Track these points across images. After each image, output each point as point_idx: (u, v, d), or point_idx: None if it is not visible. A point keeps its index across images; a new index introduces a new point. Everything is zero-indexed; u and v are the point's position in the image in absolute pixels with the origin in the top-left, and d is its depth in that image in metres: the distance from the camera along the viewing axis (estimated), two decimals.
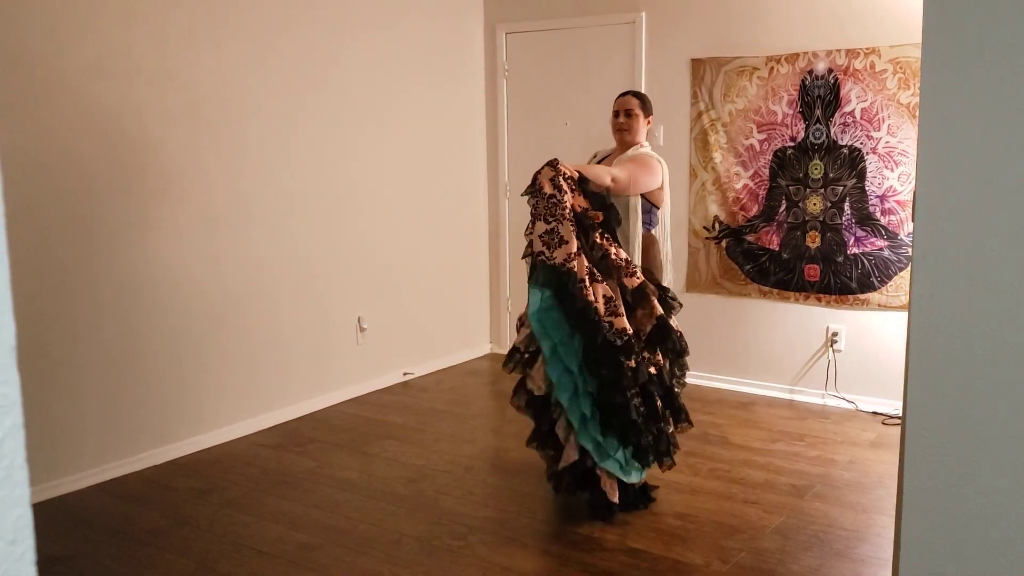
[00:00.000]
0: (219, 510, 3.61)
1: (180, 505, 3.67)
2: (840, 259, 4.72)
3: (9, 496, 0.54)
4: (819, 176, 4.74)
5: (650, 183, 3.59)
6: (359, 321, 5.15)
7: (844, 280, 4.73)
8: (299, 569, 3.12)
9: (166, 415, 4.15)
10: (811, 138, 4.74)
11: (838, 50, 4.61)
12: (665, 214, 3.70)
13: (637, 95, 3.75)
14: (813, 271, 4.82)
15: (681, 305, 3.67)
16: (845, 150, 4.65)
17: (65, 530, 3.44)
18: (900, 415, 4.52)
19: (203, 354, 4.30)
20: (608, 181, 3.44)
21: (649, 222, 3.65)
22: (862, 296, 4.70)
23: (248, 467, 4.08)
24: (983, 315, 1.29)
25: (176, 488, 3.85)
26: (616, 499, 3.41)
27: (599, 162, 3.77)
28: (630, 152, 3.66)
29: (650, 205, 3.63)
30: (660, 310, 3.39)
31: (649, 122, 3.76)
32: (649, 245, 3.65)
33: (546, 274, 3.24)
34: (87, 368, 3.84)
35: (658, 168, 3.61)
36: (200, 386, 4.29)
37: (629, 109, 3.69)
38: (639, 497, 3.54)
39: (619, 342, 3.23)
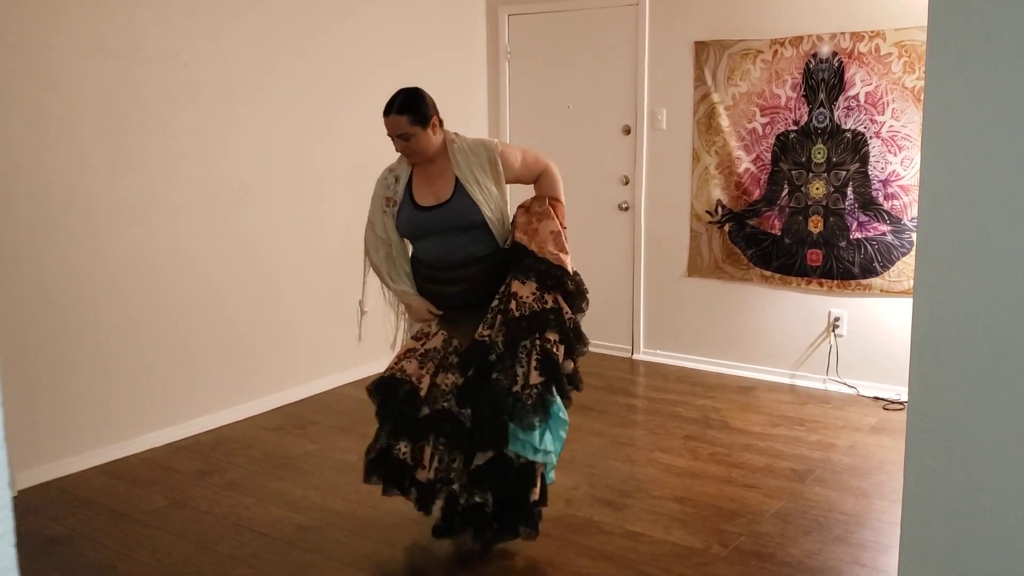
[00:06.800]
0: (220, 492, 3.62)
1: (181, 486, 3.68)
2: (843, 244, 4.70)
3: None
4: (822, 160, 4.71)
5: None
6: (360, 304, 5.13)
7: (846, 265, 4.71)
8: (299, 551, 3.13)
9: (167, 397, 4.16)
10: (814, 122, 4.71)
11: (843, 33, 4.57)
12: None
13: (404, 109, 2.88)
14: (815, 256, 4.80)
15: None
16: (848, 134, 4.62)
17: (66, 511, 3.45)
18: (901, 400, 4.52)
19: (204, 336, 4.30)
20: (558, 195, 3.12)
21: None
22: (864, 281, 4.68)
23: (249, 449, 4.09)
24: (986, 301, 1.28)
25: (177, 470, 3.86)
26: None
27: (409, 183, 3.12)
28: (463, 144, 3.03)
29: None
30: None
31: (435, 126, 2.94)
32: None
33: None
34: (88, 349, 3.84)
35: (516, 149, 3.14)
36: (201, 368, 4.30)
37: (403, 133, 2.90)
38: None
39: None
